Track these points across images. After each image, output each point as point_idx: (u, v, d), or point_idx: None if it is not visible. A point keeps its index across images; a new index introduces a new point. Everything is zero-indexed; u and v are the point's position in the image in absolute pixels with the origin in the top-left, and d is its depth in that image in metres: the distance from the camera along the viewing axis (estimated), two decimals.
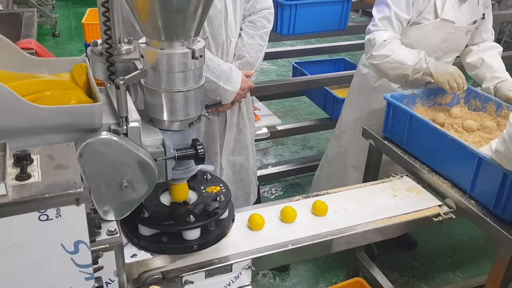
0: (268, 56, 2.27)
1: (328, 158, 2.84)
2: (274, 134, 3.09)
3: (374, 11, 2.27)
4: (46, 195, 0.76)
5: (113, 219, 1.14)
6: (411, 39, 2.20)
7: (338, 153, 2.72)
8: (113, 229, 1.10)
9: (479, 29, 2.35)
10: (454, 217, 1.73)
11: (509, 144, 1.47)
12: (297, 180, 3.55)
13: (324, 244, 1.55)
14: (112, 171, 1.09)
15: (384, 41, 2.16)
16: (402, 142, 2.01)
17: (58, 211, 0.77)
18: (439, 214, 1.73)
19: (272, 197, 3.36)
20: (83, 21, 3.77)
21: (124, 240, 1.28)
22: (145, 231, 1.30)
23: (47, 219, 0.77)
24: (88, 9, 4.06)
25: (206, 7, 1.12)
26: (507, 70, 2.31)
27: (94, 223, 0.93)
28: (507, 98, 2.15)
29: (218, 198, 1.35)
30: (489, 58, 2.32)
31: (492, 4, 4.13)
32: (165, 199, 1.38)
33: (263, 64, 2.22)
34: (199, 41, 1.19)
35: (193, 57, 1.15)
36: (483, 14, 2.33)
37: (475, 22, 2.28)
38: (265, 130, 2.88)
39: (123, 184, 1.12)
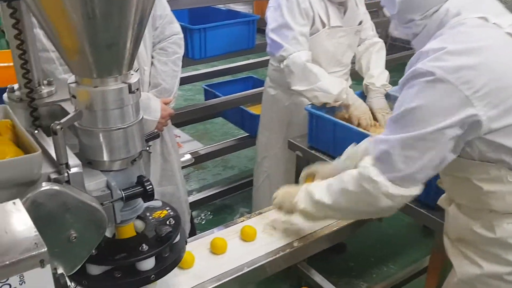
0: None
1: (255, 186, 2.86)
2: (198, 159, 3.06)
3: (275, 37, 2.25)
4: (7, 262, 0.68)
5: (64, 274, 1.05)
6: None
7: (263, 179, 2.76)
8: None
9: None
10: None
11: None
12: (225, 202, 3.53)
13: (268, 265, 1.55)
14: (58, 223, 1.00)
15: (305, 61, 2.18)
16: (329, 149, 2.10)
17: (21, 277, 0.69)
18: None
19: (204, 222, 3.30)
20: None
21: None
22: (94, 270, 1.20)
23: None
24: None
25: (137, 39, 1.08)
26: (392, 71, 2.52)
27: (60, 283, 0.84)
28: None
29: (168, 222, 1.30)
30: (366, 57, 2.50)
31: (376, 10, 4.50)
32: (109, 232, 1.29)
33: None
34: (133, 74, 1.15)
35: (130, 91, 1.10)
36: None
37: (360, 23, 2.46)
38: (188, 156, 2.84)
39: (72, 236, 1.03)
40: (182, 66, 2.26)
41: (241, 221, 1.77)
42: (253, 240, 1.64)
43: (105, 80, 1.07)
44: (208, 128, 4.77)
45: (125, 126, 1.13)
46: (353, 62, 2.59)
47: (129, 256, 1.19)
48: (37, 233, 0.75)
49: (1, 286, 0.68)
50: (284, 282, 2.76)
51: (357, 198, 1.36)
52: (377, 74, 2.40)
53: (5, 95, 1.21)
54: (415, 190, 1.30)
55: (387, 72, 2.46)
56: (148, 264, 1.23)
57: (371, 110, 2.27)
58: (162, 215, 1.33)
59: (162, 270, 1.24)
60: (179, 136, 2.94)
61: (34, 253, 0.71)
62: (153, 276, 1.22)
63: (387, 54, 2.60)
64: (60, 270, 1.01)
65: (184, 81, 3.65)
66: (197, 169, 4.00)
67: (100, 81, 1.07)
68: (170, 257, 1.27)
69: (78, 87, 1.08)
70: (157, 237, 1.24)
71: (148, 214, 1.33)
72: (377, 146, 1.29)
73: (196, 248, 1.59)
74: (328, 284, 2.46)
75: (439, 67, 1.16)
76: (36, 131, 1.16)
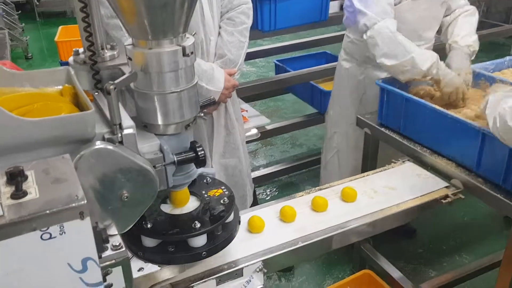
0: (247, 57, 2.21)
1: (323, 163, 2.79)
2: (264, 134, 3.04)
3: (357, 4, 2.08)
4: (47, 212, 0.69)
5: (116, 233, 1.08)
6: None
7: (332, 155, 2.67)
8: (117, 244, 1.02)
9: None
10: (463, 197, 1.70)
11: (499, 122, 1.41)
12: (291, 179, 3.51)
13: (335, 238, 1.50)
14: (110, 182, 1.02)
15: (393, 31, 2.00)
16: (400, 127, 1.98)
17: (61, 227, 0.71)
18: (447, 196, 1.69)
19: (268, 198, 3.31)
20: (56, 39, 3.69)
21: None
22: (149, 242, 1.23)
23: (50, 238, 0.70)
24: (60, 27, 3.98)
25: (192, 1, 1.06)
26: (480, 50, 2.26)
27: (102, 238, 0.86)
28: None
29: (222, 201, 1.29)
30: (452, 25, 2.26)
31: None
32: (165, 208, 1.31)
33: None
34: (188, 37, 1.13)
35: (184, 54, 1.09)
36: None
37: None
38: (255, 131, 2.82)
39: (124, 195, 1.05)
40: (251, 39, 2.22)
41: (342, 183, 1.77)
42: (353, 201, 1.66)
43: (159, 42, 1.07)
44: (279, 105, 4.73)
45: (179, 90, 1.12)
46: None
47: (182, 232, 1.20)
48: (80, 186, 0.76)
49: (42, 234, 0.70)
50: (347, 264, 2.70)
51: None
52: (462, 34, 2.16)
53: (70, 58, 1.25)
54: None
55: (475, 36, 2.20)
56: (200, 241, 1.23)
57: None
58: (217, 194, 1.33)
59: (213, 247, 1.24)
60: (246, 110, 2.93)
61: (74, 204, 0.72)
62: (204, 252, 1.23)
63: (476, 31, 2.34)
64: (111, 229, 1.04)
65: (255, 55, 3.65)
66: (265, 145, 3.99)
67: (155, 43, 1.07)
68: (222, 236, 1.27)
69: (134, 49, 1.09)
70: (210, 215, 1.24)
71: (203, 191, 1.34)
72: None
73: (297, 205, 1.62)
74: (393, 269, 2.35)
75: None
76: (96, 93, 1.19)
